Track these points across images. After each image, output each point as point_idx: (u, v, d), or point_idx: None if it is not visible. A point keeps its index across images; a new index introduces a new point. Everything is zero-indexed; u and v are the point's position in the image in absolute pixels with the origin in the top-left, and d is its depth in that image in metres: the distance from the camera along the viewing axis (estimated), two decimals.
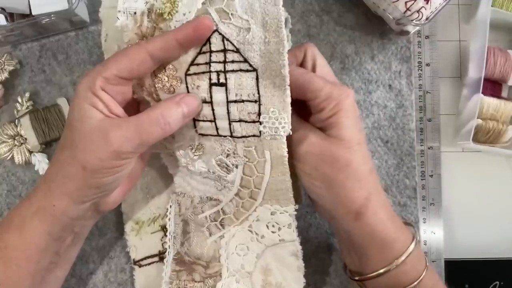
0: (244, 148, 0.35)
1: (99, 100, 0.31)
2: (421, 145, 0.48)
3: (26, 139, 0.44)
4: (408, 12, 0.41)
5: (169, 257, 0.41)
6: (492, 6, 0.46)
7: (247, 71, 0.32)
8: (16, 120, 0.45)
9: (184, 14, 0.32)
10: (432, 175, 0.48)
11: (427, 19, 0.42)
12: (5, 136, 0.44)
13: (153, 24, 0.33)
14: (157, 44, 0.31)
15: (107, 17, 0.39)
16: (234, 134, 0.34)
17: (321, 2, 0.47)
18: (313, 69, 0.35)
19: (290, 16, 0.42)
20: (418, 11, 0.41)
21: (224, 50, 0.32)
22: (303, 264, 0.38)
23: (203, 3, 0.32)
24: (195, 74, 0.33)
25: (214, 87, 0.33)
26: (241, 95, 0.33)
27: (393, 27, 0.45)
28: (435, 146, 0.48)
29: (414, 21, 0.41)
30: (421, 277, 0.34)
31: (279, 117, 0.33)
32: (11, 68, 0.45)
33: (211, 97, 0.33)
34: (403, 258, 0.33)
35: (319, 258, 0.46)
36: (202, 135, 0.35)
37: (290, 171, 0.35)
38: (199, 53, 0.33)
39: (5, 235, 0.33)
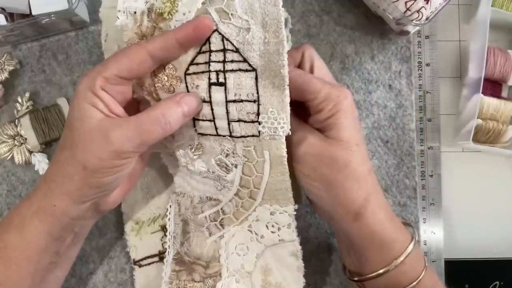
0: (243, 148, 0.35)
1: (99, 100, 0.31)
2: (421, 145, 0.48)
3: (26, 139, 0.44)
4: (408, 12, 0.41)
5: (169, 257, 0.41)
6: (492, 6, 0.46)
7: (247, 71, 0.32)
8: (16, 120, 0.45)
9: (184, 14, 0.32)
10: (432, 175, 0.48)
11: (427, 19, 0.42)
12: (5, 136, 0.44)
13: (153, 23, 0.33)
14: (157, 43, 0.31)
15: (107, 17, 0.39)
16: (233, 134, 0.34)
17: (321, 2, 0.47)
18: (311, 71, 0.35)
19: (290, 16, 0.42)
20: (418, 11, 0.41)
21: (224, 50, 0.32)
22: (303, 264, 0.38)
23: (203, 3, 0.32)
24: (194, 73, 0.33)
25: (213, 87, 0.33)
26: (240, 95, 0.33)
27: (393, 27, 0.45)
28: (435, 146, 0.48)
29: (414, 21, 0.41)
30: (420, 277, 0.34)
31: (278, 117, 0.33)
32: (11, 68, 0.45)
33: (210, 96, 0.33)
34: (402, 258, 0.33)
35: (319, 258, 0.46)
36: (202, 134, 0.35)
37: (290, 171, 0.35)
38: (199, 52, 0.33)
39: (5, 235, 0.33)
